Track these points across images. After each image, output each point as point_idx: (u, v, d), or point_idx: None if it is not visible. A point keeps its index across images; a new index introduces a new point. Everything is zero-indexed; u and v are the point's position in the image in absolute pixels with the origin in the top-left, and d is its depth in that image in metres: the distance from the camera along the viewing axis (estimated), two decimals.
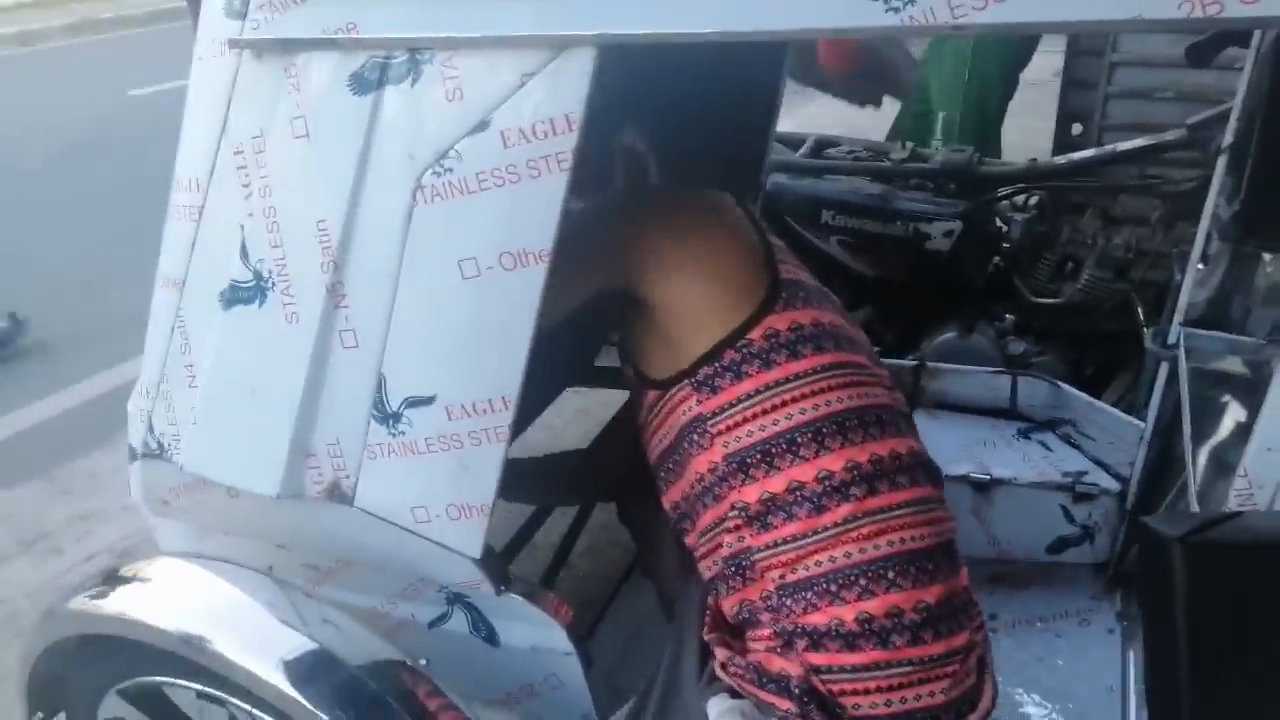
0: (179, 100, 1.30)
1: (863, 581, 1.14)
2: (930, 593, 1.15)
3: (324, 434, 1.26)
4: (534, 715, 1.36)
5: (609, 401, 1.98)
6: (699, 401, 1.23)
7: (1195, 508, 1.17)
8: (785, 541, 1.18)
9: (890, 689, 1.14)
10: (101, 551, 2.46)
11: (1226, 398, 1.50)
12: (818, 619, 1.15)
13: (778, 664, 1.17)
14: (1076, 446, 1.87)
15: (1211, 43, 1.72)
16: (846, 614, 1.14)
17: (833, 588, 1.15)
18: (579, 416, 2.63)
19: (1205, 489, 1.20)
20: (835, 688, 1.15)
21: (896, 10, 0.88)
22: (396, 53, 1.11)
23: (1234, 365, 1.53)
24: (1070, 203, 2.19)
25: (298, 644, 1.21)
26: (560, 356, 1.81)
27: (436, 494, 1.23)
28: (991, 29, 0.84)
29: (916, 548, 1.16)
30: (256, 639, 1.22)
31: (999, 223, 2.15)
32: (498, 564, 1.27)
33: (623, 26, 1.02)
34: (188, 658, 1.21)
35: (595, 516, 2.07)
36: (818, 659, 1.15)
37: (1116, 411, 1.83)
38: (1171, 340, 1.56)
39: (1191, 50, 1.69)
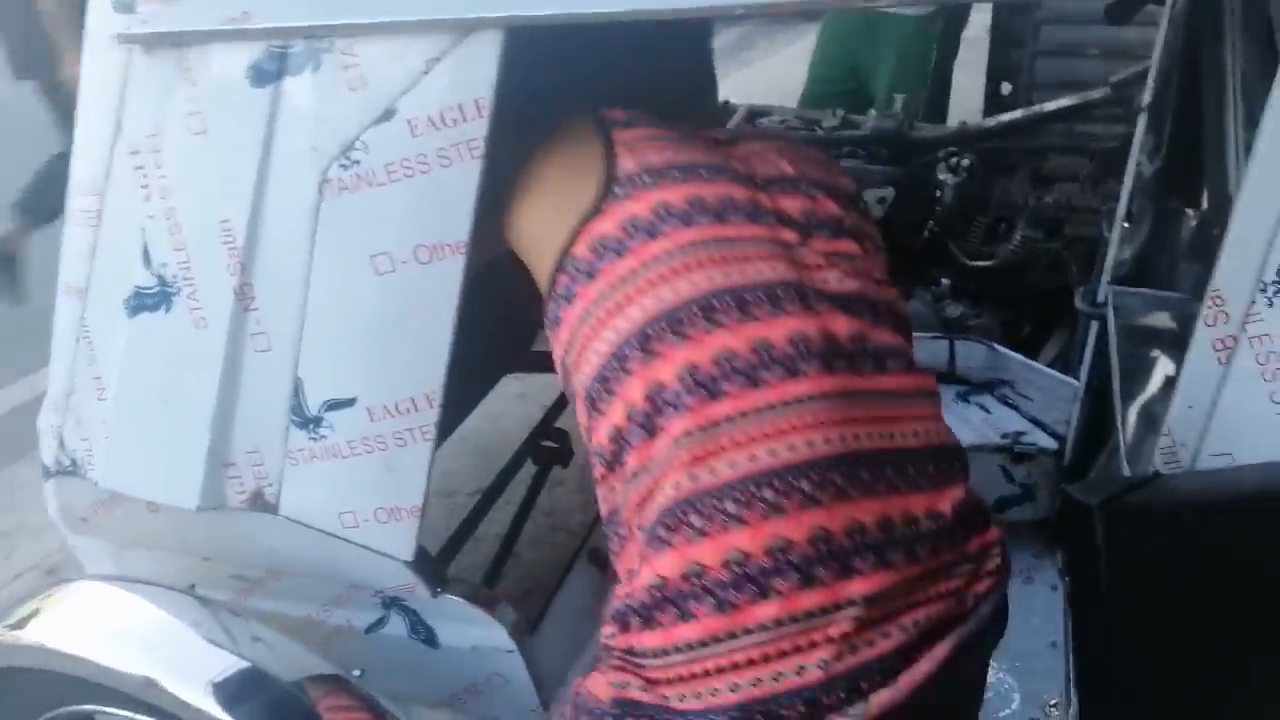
0: None
1: (729, 506, 0.86)
2: (819, 518, 0.86)
3: (242, 442, 1.22)
4: (479, 714, 1.33)
5: (550, 386, 1.95)
6: (554, 343, 1.02)
7: (1125, 467, 1.17)
8: (635, 475, 0.92)
9: (729, 669, 0.85)
10: (29, 569, 2.38)
11: (1155, 354, 1.50)
12: (646, 580, 0.88)
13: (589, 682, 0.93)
14: (1014, 407, 1.88)
15: (1129, 1, 1.72)
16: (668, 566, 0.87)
17: (671, 522, 0.88)
18: (519, 401, 2.59)
19: (1134, 447, 1.20)
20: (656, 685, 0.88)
21: None
22: (294, 42, 1.06)
23: (1162, 321, 1.54)
24: (1001, 164, 2.19)
25: (226, 664, 1.17)
26: (494, 342, 1.77)
27: (363, 498, 1.19)
28: (910, 1, 0.82)
29: (814, 456, 0.87)
30: (183, 662, 1.17)
31: (932, 187, 2.15)
32: (432, 565, 1.24)
33: (530, 8, 0.98)
34: (113, 686, 1.16)
35: (540, 504, 2.05)
36: (649, 639, 0.88)
37: (1051, 371, 1.85)
38: (1100, 299, 1.56)
39: (1110, 8, 1.69)
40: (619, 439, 0.92)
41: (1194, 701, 1.02)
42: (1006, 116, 2.29)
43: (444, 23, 1.01)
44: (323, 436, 1.18)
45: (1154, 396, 1.37)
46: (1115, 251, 1.56)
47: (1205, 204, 1.58)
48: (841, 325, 0.94)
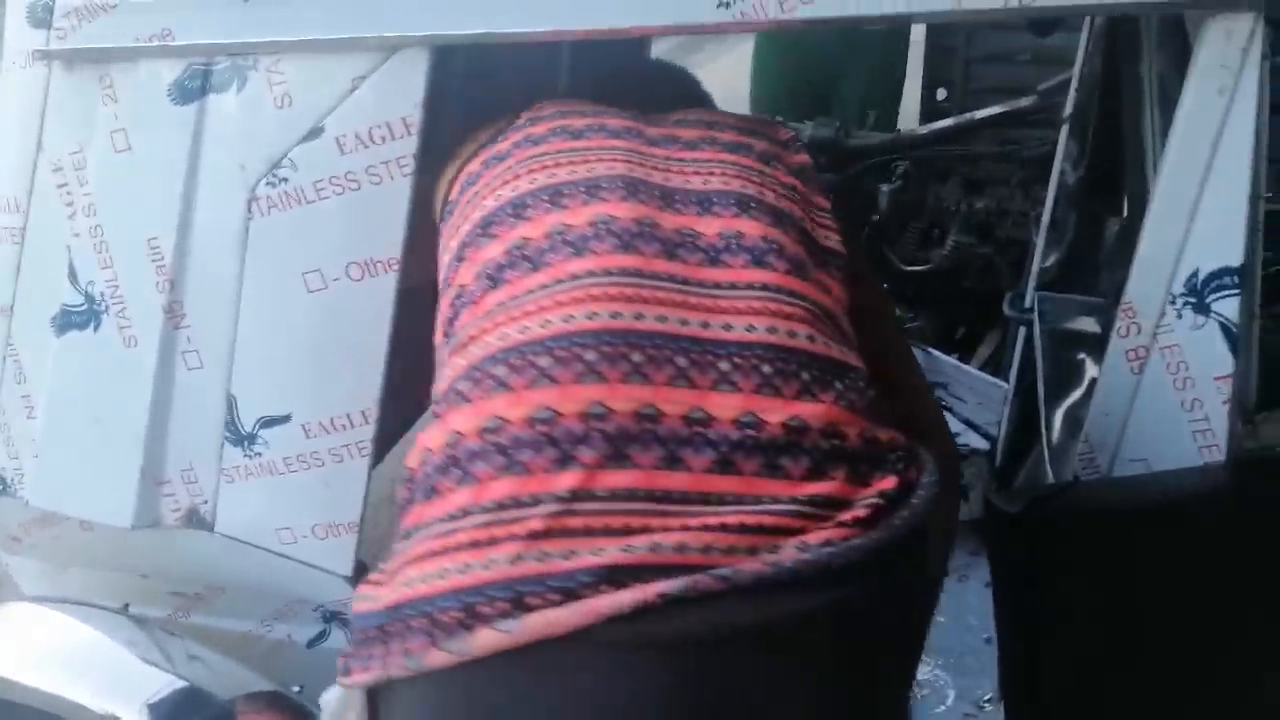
0: None
1: (498, 370, 0.79)
2: (548, 395, 0.76)
3: (176, 460, 1.21)
4: None
5: None
6: None
7: (1049, 470, 1.21)
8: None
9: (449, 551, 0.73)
10: None
11: (1080, 358, 1.55)
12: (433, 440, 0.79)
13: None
14: (948, 409, 1.92)
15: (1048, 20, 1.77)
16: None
17: (443, 399, 0.82)
18: None
19: (1058, 451, 1.24)
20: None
21: (728, 6, 0.87)
22: (217, 59, 1.05)
23: (1086, 325, 1.59)
24: (934, 170, 2.24)
25: (163, 684, 1.16)
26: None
27: (300, 514, 1.19)
28: (819, 22, 0.84)
29: (570, 329, 0.79)
30: (117, 682, 1.17)
31: (867, 194, 2.19)
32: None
33: (454, 27, 0.99)
34: (46, 711, 1.15)
35: None
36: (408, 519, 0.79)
37: (982, 374, 1.89)
38: (1028, 304, 1.61)
39: (1033, 23, 1.73)
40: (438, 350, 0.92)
41: (1112, 698, 1.06)
42: (939, 124, 2.34)
43: (369, 40, 1.01)
44: (258, 453, 1.17)
45: (1077, 401, 1.41)
46: (1040, 258, 1.60)
47: (1126, 211, 1.63)
48: (669, 217, 0.89)
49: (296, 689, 1.21)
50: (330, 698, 0.84)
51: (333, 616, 1.32)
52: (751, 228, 0.89)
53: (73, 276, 1.17)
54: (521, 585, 0.69)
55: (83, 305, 1.18)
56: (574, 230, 0.86)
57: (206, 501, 1.22)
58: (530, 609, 0.68)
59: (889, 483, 0.78)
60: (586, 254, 0.84)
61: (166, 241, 1.12)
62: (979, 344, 2.20)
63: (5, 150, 1.20)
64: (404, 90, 1.01)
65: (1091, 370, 1.49)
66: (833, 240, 0.98)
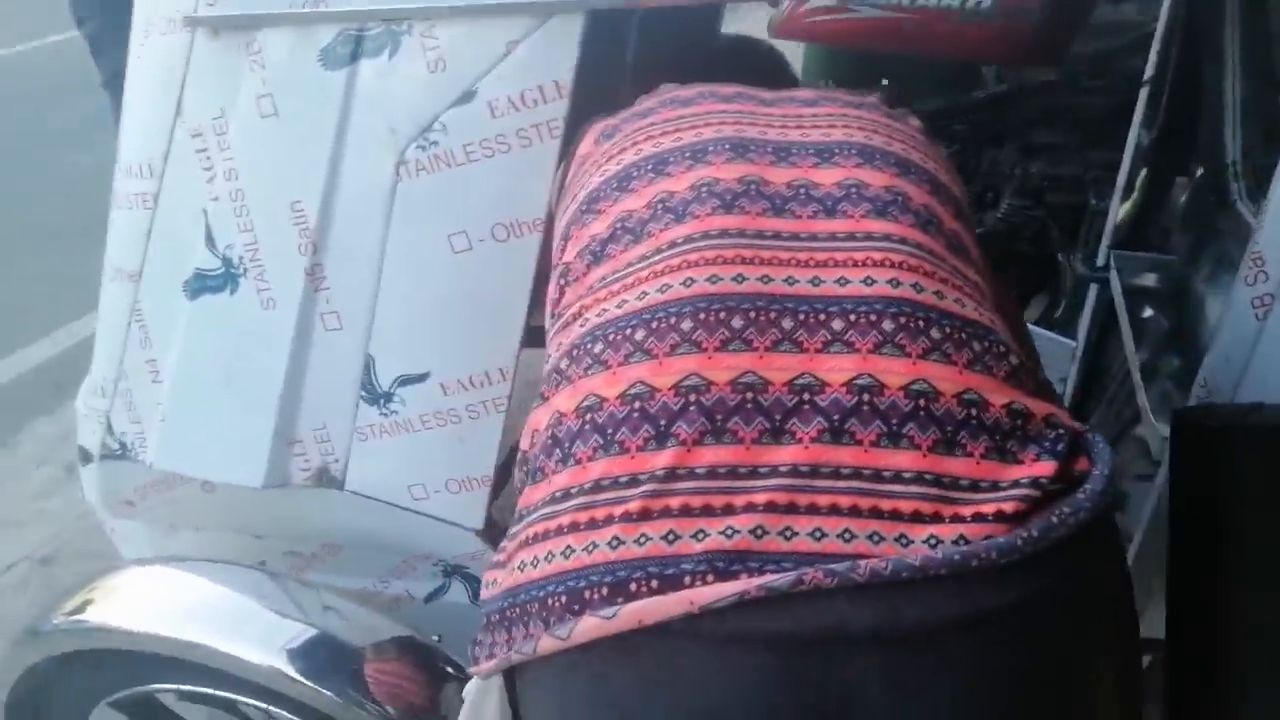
0: (49, 58, 1.22)
1: (596, 348, 0.76)
2: (644, 370, 0.73)
3: (309, 420, 1.23)
4: None
5: None
6: None
7: (1151, 419, 1.26)
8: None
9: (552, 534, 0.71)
10: (21, 560, 2.34)
11: (1151, 313, 1.61)
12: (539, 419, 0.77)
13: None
14: None
15: None
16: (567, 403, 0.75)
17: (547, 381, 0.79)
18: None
19: (1156, 397, 1.29)
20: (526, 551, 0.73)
21: None
22: (370, 24, 1.07)
23: (1159, 282, 1.65)
24: (989, 135, 2.27)
25: (302, 633, 1.19)
26: None
27: (434, 470, 1.22)
28: None
29: (669, 298, 0.75)
30: (259, 632, 1.19)
31: None
32: (500, 532, 1.28)
33: None
34: (192, 661, 1.17)
35: None
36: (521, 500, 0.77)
37: (1047, 332, 1.94)
38: (1100, 263, 1.66)
39: None
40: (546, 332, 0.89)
41: None
42: (994, 89, 2.37)
43: (526, 6, 1.03)
44: (394, 412, 1.20)
45: (1158, 350, 1.47)
46: (1114, 218, 1.65)
47: (1200, 172, 1.68)
48: (782, 171, 0.84)
49: (436, 638, 1.24)
50: (471, 688, 0.84)
51: (454, 571, 1.36)
52: (875, 177, 0.83)
53: (210, 241, 1.19)
54: (621, 570, 0.66)
55: (219, 269, 1.20)
56: (676, 196, 0.82)
57: (338, 460, 1.25)
58: (632, 595, 0.65)
59: (1044, 468, 0.68)
60: (687, 219, 0.80)
61: (311, 205, 1.14)
62: (1027, 307, 2.25)
63: (141, 116, 1.22)
64: (558, 54, 1.04)
65: (1164, 325, 1.55)
66: (964, 200, 0.92)
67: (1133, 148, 1.61)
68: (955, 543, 0.65)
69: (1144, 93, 1.56)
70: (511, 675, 0.76)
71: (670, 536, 0.66)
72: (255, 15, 1.09)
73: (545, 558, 0.70)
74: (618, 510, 0.68)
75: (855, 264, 0.76)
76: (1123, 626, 0.76)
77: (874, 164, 0.84)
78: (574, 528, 0.69)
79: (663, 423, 0.69)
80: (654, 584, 0.65)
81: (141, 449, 1.33)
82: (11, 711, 1.33)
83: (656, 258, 0.79)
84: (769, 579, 0.63)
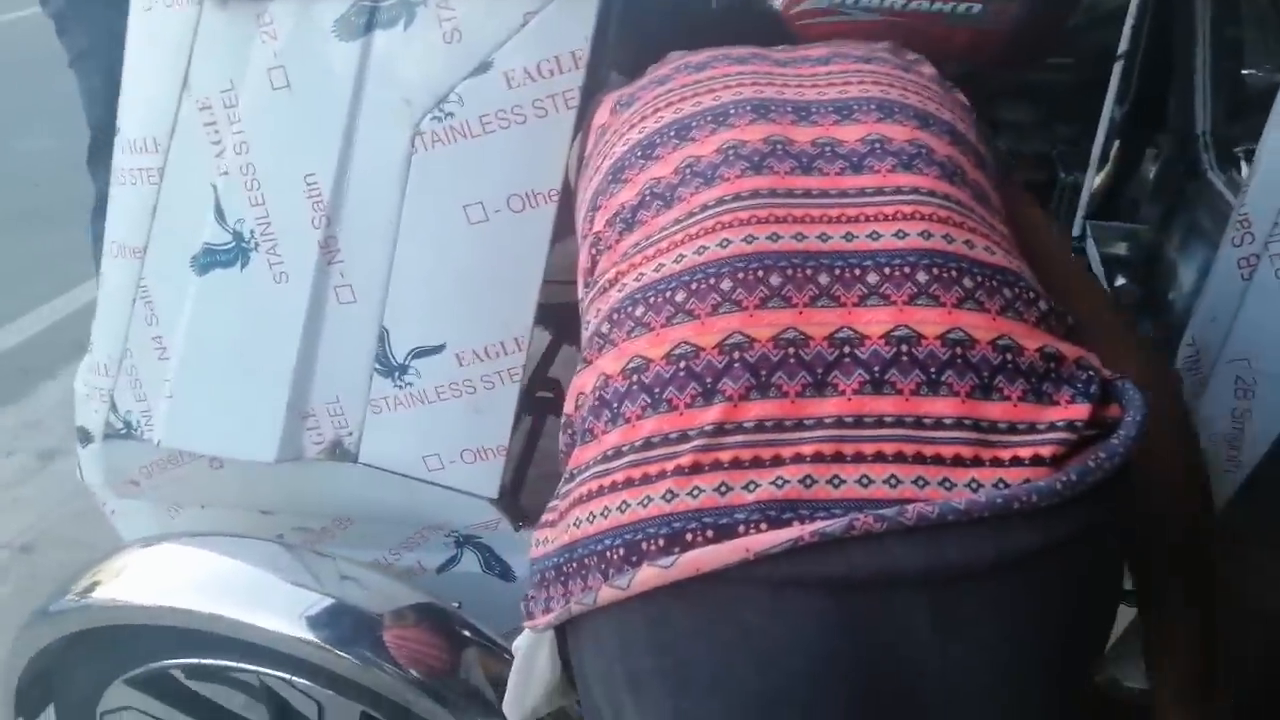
0: (35, 29, 1.20)
1: (638, 311, 0.78)
2: (687, 330, 0.75)
3: (322, 393, 1.24)
4: None
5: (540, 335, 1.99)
6: None
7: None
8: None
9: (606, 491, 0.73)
10: (0, 548, 2.30)
11: (1124, 281, 1.67)
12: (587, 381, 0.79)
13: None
14: None
15: None
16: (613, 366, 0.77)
17: (589, 346, 0.81)
18: None
19: None
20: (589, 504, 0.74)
21: None
22: None
23: (1130, 251, 1.71)
24: None
25: (322, 601, 1.20)
26: None
27: (449, 440, 1.24)
28: None
29: (706, 260, 0.77)
30: (279, 602, 1.19)
31: None
32: (514, 501, 1.30)
33: None
34: (211, 633, 1.18)
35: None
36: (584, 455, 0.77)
37: None
38: (1076, 232, 1.72)
39: None
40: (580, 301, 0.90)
41: None
42: (956, 69, 2.42)
43: None
44: (409, 383, 1.21)
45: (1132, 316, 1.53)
46: (1089, 189, 1.71)
47: (1169, 144, 1.75)
48: (805, 130, 0.86)
49: (456, 604, 1.26)
50: (521, 641, 0.86)
51: (466, 541, 1.38)
52: (897, 131, 0.85)
53: (219, 215, 1.19)
54: (677, 521, 0.68)
55: (230, 243, 1.20)
56: (703, 160, 0.84)
57: (351, 433, 1.26)
58: (688, 545, 0.67)
59: (1079, 410, 0.70)
60: (717, 182, 0.82)
61: (325, 177, 1.14)
62: None
63: (143, 90, 1.21)
64: (574, 24, 1.05)
65: (1134, 291, 1.62)
66: (983, 145, 0.94)
67: (1107, 121, 1.66)
68: (995, 486, 0.67)
69: (1118, 67, 1.62)
70: (562, 628, 0.78)
71: (723, 488, 0.68)
72: None
73: (601, 513, 0.72)
74: (670, 465, 0.70)
75: (886, 218, 0.78)
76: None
77: (894, 118, 0.86)
78: (628, 484, 0.71)
79: (709, 380, 0.71)
80: (709, 533, 0.67)
81: (148, 427, 1.32)
82: (22, 695, 1.32)
83: (690, 221, 0.81)
84: (822, 524, 0.65)
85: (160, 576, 1.24)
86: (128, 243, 1.26)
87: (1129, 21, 1.61)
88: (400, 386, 1.22)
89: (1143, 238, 1.72)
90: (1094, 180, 1.70)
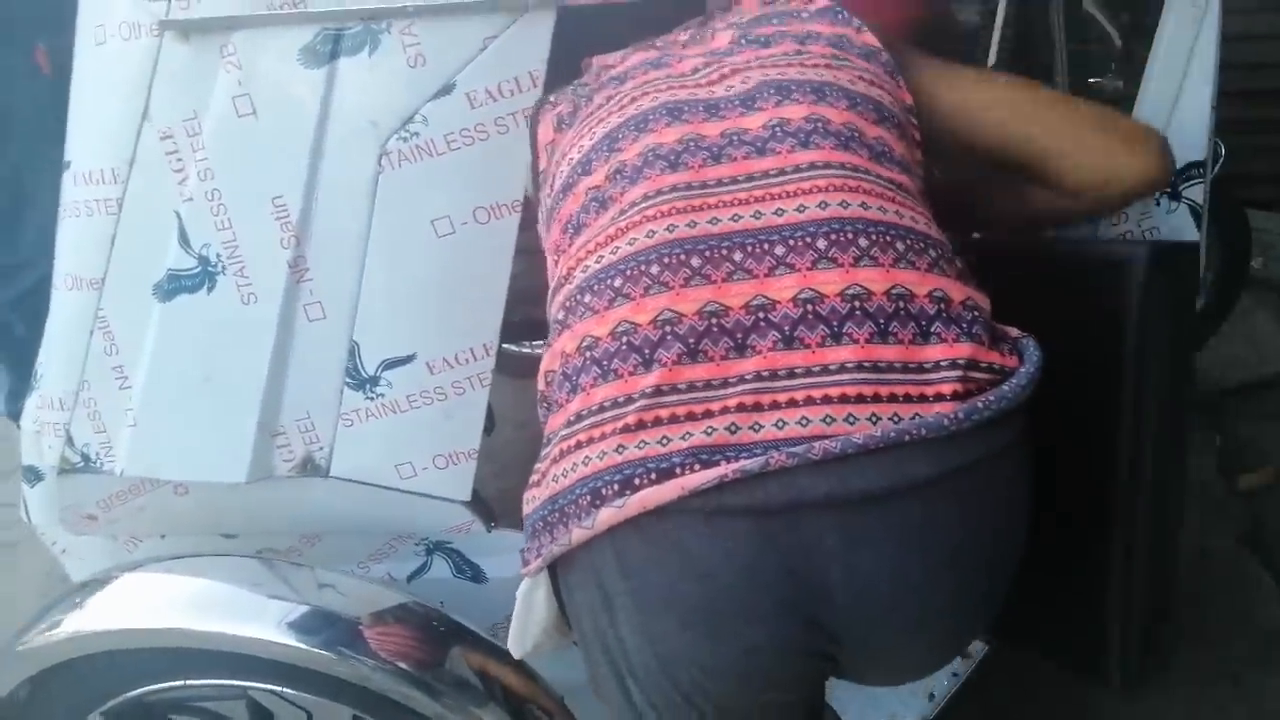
0: None
1: (586, 298, 0.91)
2: (626, 311, 0.87)
3: (292, 410, 1.27)
4: None
5: None
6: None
7: None
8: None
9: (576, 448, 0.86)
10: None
11: None
12: (554, 356, 0.92)
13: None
14: None
15: None
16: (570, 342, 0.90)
17: (580, 302, 0.91)
18: None
19: None
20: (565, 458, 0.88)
21: None
22: (350, 24, 1.14)
23: None
24: None
25: (305, 609, 1.22)
26: None
27: (422, 447, 1.29)
28: None
29: (638, 248, 0.89)
30: (261, 613, 1.20)
31: None
32: (484, 504, 1.35)
33: None
34: (200, 650, 1.19)
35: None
36: (556, 421, 0.90)
37: None
38: None
39: None
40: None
41: None
42: None
43: (501, 3, 1.12)
44: (380, 394, 1.26)
45: None
46: None
47: None
48: (714, 125, 0.95)
49: (440, 603, 1.30)
50: (523, 585, 0.99)
51: (435, 548, 1.42)
52: (794, 111, 0.94)
53: (184, 240, 1.22)
54: (627, 469, 0.82)
55: (195, 268, 1.22)
56: (629, 165, 0.95)
57: (322, 448, 1.29)
58: (637, 488, 0.81)
59: (961, 349, 0.82)
60: (640, 181, 0.93)
61: (292, 198, 1.18)
62: None
63: (99, 123, 1.22)
64: (531, 46, 1.14)
65: None
66: (891, 78, 1.03)
67: None
68: (891, 420, 0.80)
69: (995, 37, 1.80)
70: (554, 571, 0.92)
71: (663, 440, 0.82)
72: (234, 17, 1.13)
73: (570, 469, 0.86)
74: (619, 424, 0.83)
75: (789, 195, 0.90)
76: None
77: (791, 98, 0.96)
78: (590, 442, 0.85)
79: (647, 351, 0.84)
80: (653, 476, 0.81)
81: (108, 458, 1.32)
82: None
83: (621, 218, 0.93)
84: (743, 463, 0.79)
85: (138, 600, 1.24)
86: (82, 274, 1.26)
87: (995, 34, 1.81)
88: (371, 398, 1.26)
89: None
90: None
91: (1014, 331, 0.90)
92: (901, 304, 0.84)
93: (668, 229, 0.89)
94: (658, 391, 0.83)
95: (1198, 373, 2.70)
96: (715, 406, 0.82)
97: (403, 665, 1.20)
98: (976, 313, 0.86)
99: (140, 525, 1.40)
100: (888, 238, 0.87)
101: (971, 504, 0.84)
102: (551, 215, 1.03)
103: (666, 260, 0.87)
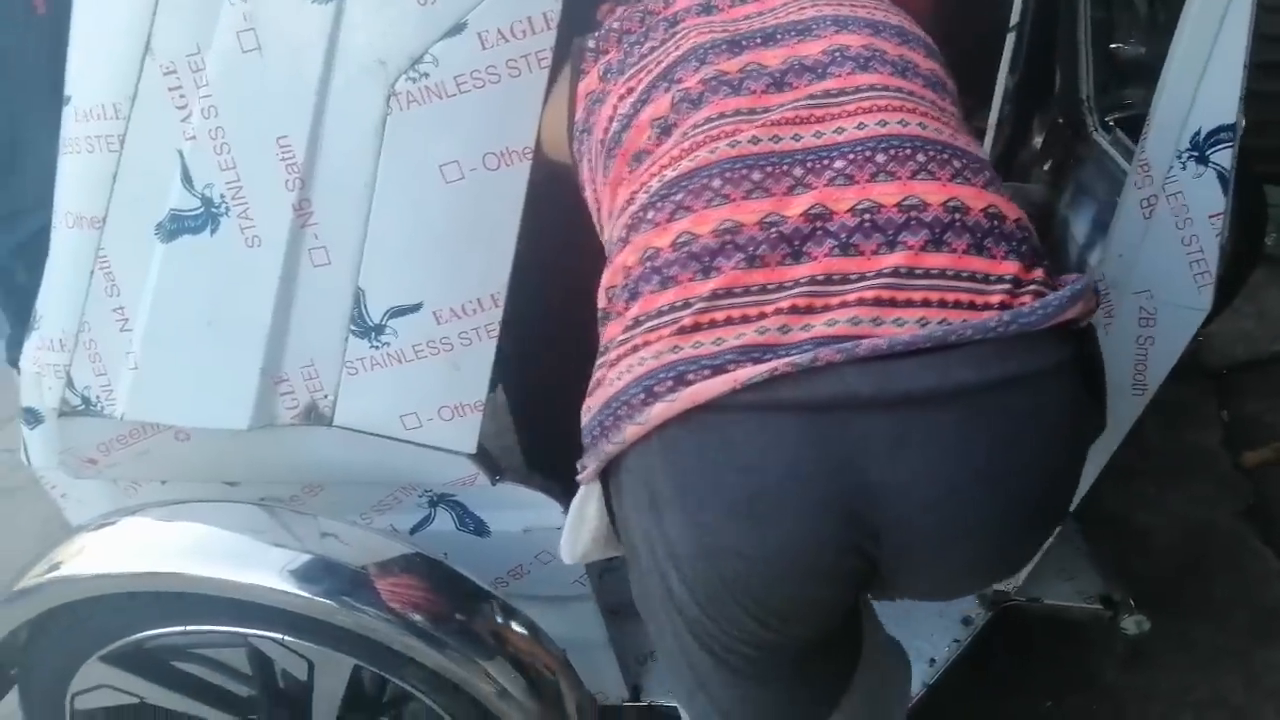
0: None
1: (650, 214, 0.93)
2: (687, 224, 0.90)
3: (296, 357, 1.25)
4: (522, 593, 1.44)
5: None
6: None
7: None
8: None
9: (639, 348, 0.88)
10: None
11: None
12: (632, 255, 0.93)
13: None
14: None
15: None
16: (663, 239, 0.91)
17: (650, 213, 0.94)
18: None
19: None
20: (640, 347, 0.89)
21: None
22: None
23: (1025, 209, 1.87)
24: None
25: (309, 557, 1.21)
26: None
27: (427, 398, 1.27)
28: None
29: (698, 165, 0.92)
30: (264, 559, 1.19)
31: None
32: (489, 456, 1.34)
33: None
34: (202, 596, 1.18)
35: None
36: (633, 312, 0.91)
37: None
38: None
39: None
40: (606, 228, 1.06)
41: None
42: None
43: None
44: (385, 344, 1.24)
45: None
46: (990, 152, 1.86)
47: (1056, 108, 1.91)
48: (774, 53, 0.99)
49: (444, 554, 1.29)
50: (579, 495, 1.00)
51: (439, 500, 1.41)
52: (853, 40, 0.99)
53: (187, 180, 1.19)
54: (682, 366, 0.84)
55: (198, 209, 1.20)
56: (692, 91, 0.98)
57: (326, 396, 1.27)
58: (689, 384, 0.83)
59: (1011, 266, 0.84)
60: (704, 105, 0.97)
61: (298, 139, 1.15)
62: None
63: (97, 57, 1.19)
64: None
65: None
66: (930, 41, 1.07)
67: (1001, 89, 1.81)
68: (939, 324, 0.82)
69: (1010, 38, 1.77)
70: (606, 480, 0.95)
71: (717, 340, 0.85)
72: None
73: (626, 370, 0.88)
74: (675, 327, 0.86)
75: (848, 114, 0.93)
76: (1089, 420, 0.92)
77: (848, 30, 1.01)
78: (644, 345, 0.88)
79: (706, 259, 0.87)
80: (706, 373, 0.83)
81: (109, 401, 1.30)
82: None
83: (685, 140, 0.96)
84: (793, 358, 0.81)
85: (139, 544, 1.23)
86: (83, 213, 1.24)
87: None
88: (376, 347, 1.24)
89: (1035, 197, 1.88)
90: (990, 147, 1.85)
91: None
92: (957, 216, 0.85)
93: (730, 144, 0.92)
94: (714, 295, 0.86)
95: (1206, 347, 2.68)
96: (769, 309, 0.84)
97: (407, 616, 1.19)
98: (1026, 233, 0.89)
99: (141, 470, 1.39)
100: (944, 155, 0.89)
101: (1016, 420, 0.84)
102: (609, 153, 1.04)
103: (728, 175, 0.90)
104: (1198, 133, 1.20)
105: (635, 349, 0.88)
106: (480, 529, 1.41)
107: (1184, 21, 1.17)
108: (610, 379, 0.90)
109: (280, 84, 1.15)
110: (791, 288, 0.85)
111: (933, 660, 1.63)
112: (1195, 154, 1.21)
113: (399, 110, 1.15)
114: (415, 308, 1.23)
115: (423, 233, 1.21)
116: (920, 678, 1.61)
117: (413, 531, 1.42)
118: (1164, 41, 1.21)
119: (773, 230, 0.87)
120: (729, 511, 0.84)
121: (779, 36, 1.01)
